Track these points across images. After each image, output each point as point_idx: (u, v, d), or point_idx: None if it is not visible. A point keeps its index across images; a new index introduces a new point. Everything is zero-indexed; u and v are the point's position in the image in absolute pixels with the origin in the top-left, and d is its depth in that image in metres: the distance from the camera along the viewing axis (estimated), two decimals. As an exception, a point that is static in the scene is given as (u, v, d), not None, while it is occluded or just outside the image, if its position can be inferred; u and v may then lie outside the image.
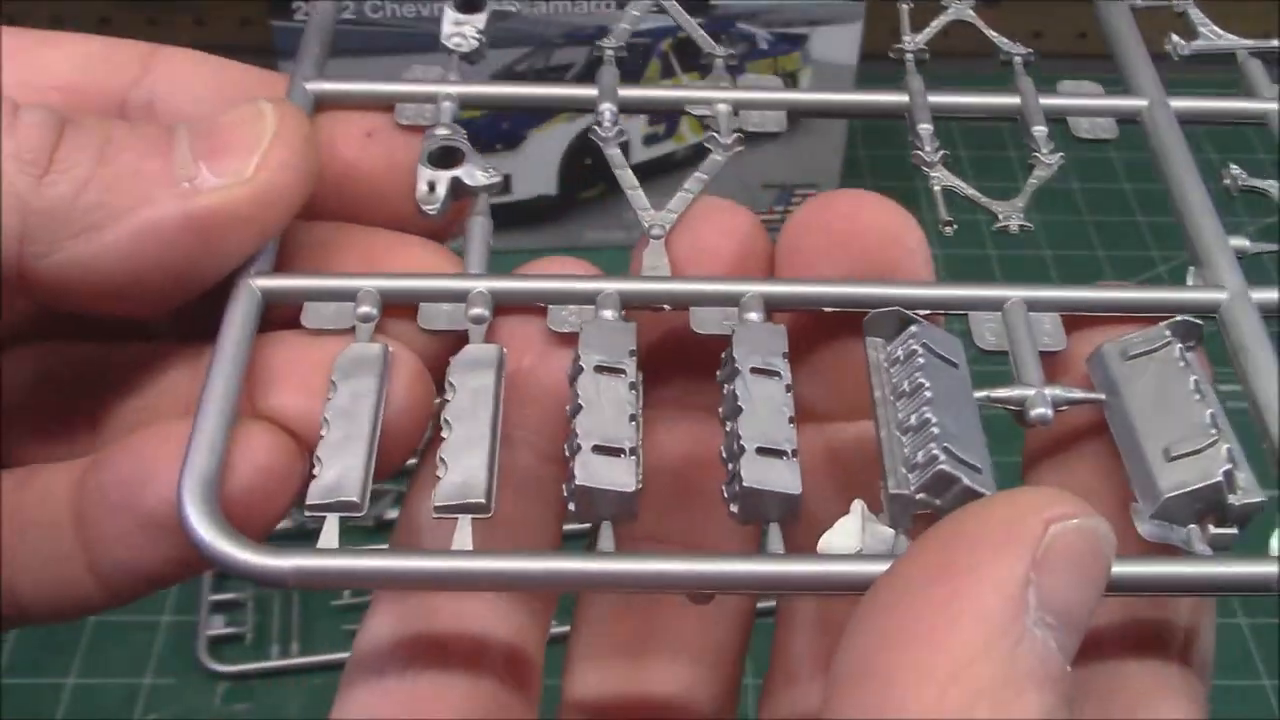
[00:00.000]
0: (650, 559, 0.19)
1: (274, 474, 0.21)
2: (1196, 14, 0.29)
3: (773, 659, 0.25)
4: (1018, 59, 0.28)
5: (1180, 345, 0.22)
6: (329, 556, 0.19)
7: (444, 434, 0.21)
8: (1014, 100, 0.27)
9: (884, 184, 0.74)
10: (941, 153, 0.26)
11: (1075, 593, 0.17)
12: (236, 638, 0.54)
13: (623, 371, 0.21)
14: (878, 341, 0.22)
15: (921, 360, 0.21)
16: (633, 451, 0.20)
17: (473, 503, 0.20)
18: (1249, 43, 0.29)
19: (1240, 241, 0.24)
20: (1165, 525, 0.20)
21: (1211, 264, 0.24)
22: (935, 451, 0.20)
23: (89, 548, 0.22)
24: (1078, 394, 0.22)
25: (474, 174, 0.25)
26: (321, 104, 0.26)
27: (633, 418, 0.21)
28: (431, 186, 0.25)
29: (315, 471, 0.20)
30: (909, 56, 0.28)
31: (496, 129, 0.62)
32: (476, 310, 0.23)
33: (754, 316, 0.23)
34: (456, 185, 0.25)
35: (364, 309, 0.23)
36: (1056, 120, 0.27)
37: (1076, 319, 0.23)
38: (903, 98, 0.27)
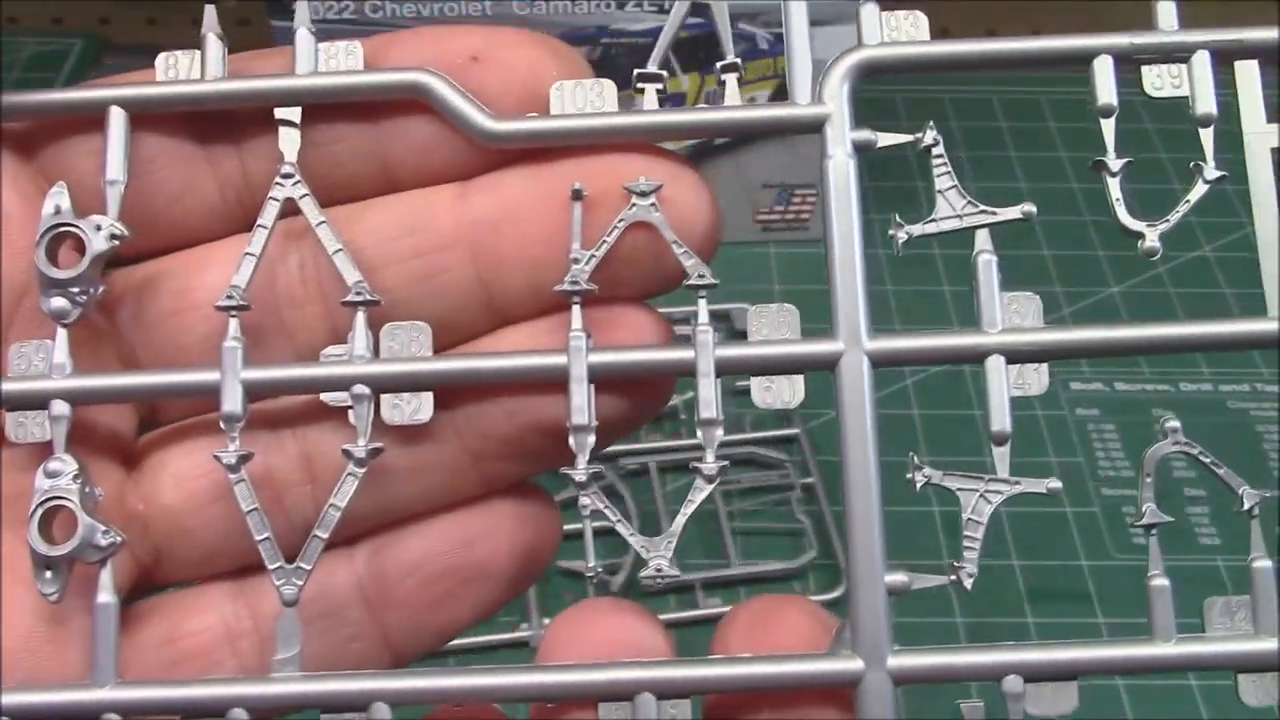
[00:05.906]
0: None
1: None
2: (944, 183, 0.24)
3: None
4: (701, 298, 0.24)
5: None
6: None
7: None
8: (688, 354, 0.24)
9: (882, 183, 0.67)
10: (595, 470, 0.23)
11: None
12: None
13: None
14: None
15: None
16: None
17: None
18: (992, 218, 0.24)
19: (898, 577, 0.23)
20: None
21: (860, 628, 0.23)
22: None
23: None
24: None
25: (95, 536, 0.23)
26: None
27: None
28: (49, 565, 0.23)
29: None
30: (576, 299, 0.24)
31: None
32: None
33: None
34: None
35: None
36: (736, 374, 0.24)
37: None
38: (562, 359, 0.24)
